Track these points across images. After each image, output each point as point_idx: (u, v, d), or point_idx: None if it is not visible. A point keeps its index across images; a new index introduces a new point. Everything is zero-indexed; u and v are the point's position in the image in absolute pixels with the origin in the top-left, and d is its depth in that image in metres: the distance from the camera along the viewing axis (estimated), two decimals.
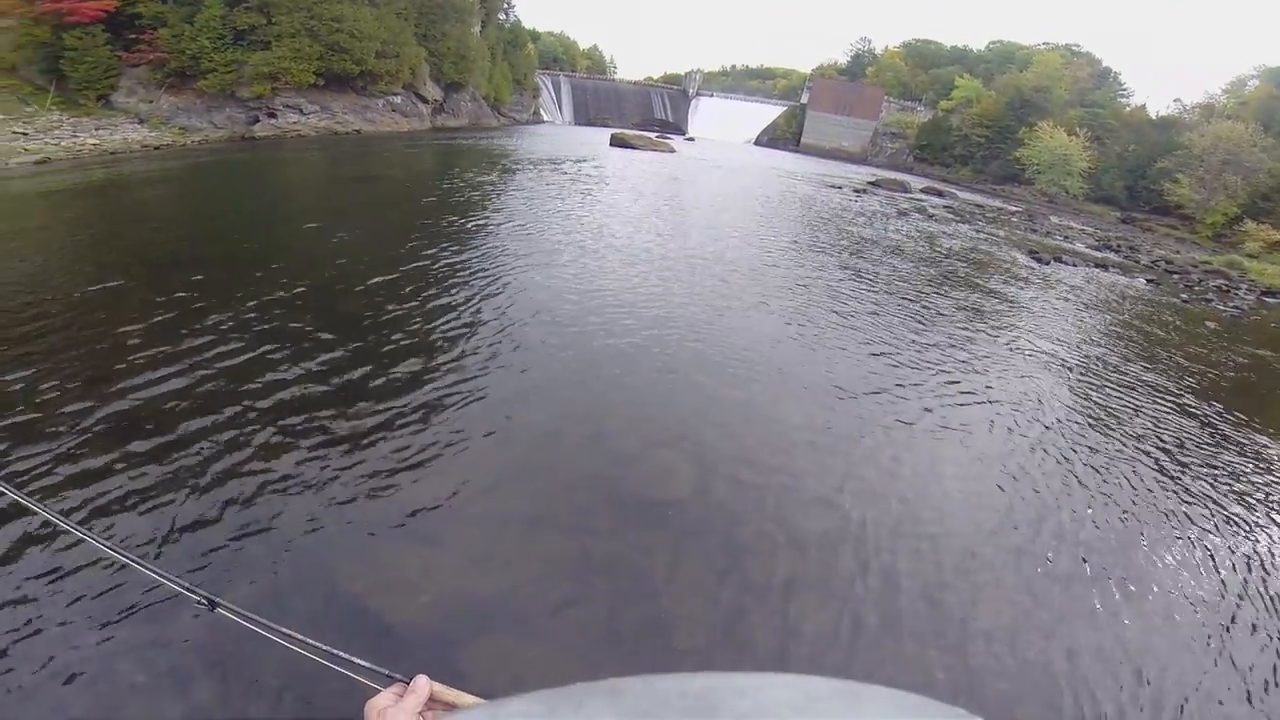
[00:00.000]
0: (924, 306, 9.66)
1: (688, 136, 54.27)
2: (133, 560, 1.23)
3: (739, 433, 5.10)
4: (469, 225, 11.11)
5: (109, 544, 1.27)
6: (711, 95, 69.55)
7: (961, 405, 6.28)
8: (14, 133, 17.63)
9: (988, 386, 6.87)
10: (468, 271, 8.26)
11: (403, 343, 5.95)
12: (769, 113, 64.45)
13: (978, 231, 20.08)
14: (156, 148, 19.93)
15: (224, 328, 5.83)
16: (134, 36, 21.25)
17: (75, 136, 18.87)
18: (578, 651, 2.97)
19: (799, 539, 3.95)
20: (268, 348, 5.53)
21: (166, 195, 13.28)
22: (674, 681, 0.32)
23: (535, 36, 62.02)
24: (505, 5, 45.85)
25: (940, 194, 31.35)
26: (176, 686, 2.62)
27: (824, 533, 4.04)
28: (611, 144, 32.93)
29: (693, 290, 8.51)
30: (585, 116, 62.08)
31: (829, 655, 3.20)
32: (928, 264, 13.21)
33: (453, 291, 7.44)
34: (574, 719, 0.29)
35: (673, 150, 33.42)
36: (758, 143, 60.53)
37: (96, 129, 19.85)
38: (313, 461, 4.09)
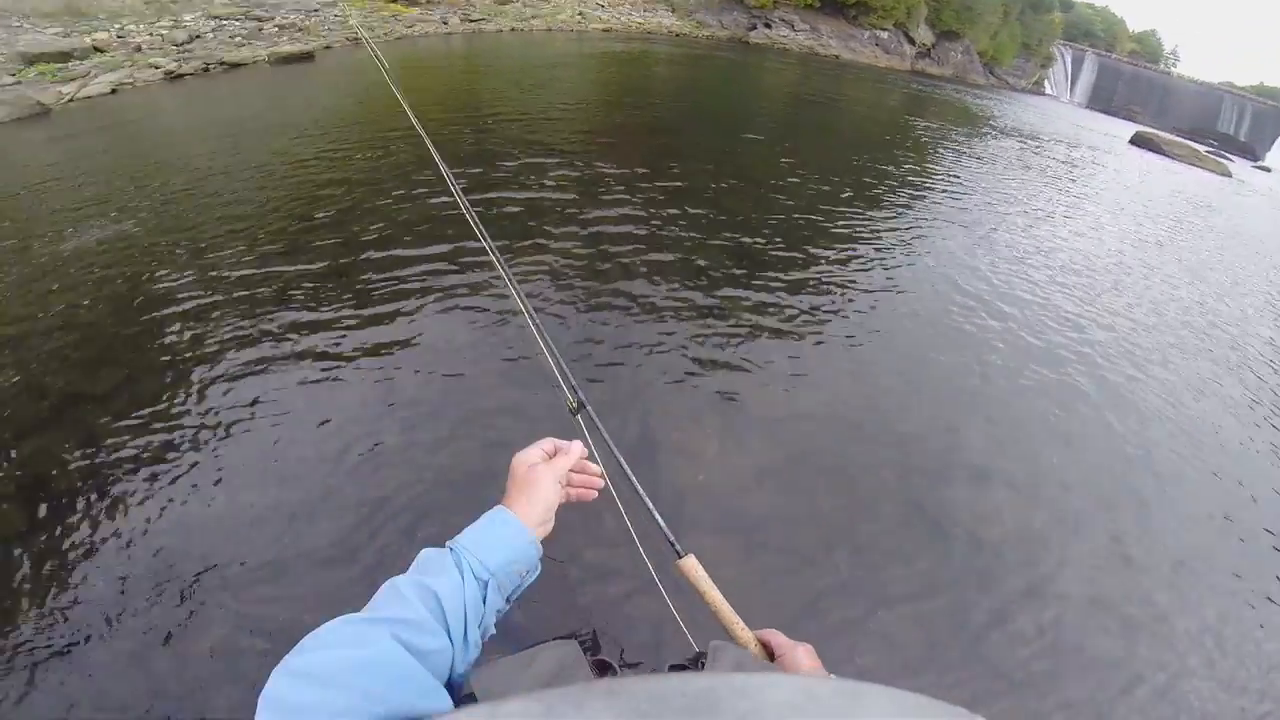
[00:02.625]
0: None
1: (1260, 164, 38.54)
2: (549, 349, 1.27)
3: (1113, 516, 3.36)
4: (909, 176, 9.59)
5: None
6: None
7: None
8: (597, 4, 22.90)
9: None
10: (887, 223, 7.03)
11: (794, 261, 5.50)
12: None
13: None
14: (677, 35, 23.50)
15: (660, 191, 6.55)
16: None
17: (630, 15, 23.48)
18: (771, 598, 2.59)
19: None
20: (682, 209, 6.03)
21: (671, 75, 15.59)
22: (674, 681, 0.32)
23: (1068, 5, 51.37)
24: None
25: None
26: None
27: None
28: (1131, 142, 25.37)
29: (1164, 350, 5.65)
30: (1104, 102, 49.77)
31: None
32: None
33: (864, 237, 6.47)
34: (573, 718, 0.28)
35: (1226, 174, 23.91)
36: None
37: (645, 11, 24.26)
38: (685, 320, 4.25)
